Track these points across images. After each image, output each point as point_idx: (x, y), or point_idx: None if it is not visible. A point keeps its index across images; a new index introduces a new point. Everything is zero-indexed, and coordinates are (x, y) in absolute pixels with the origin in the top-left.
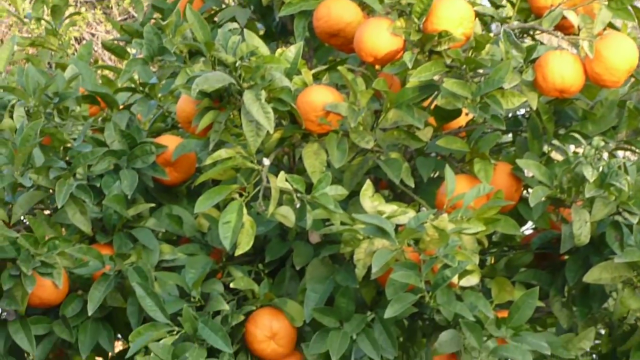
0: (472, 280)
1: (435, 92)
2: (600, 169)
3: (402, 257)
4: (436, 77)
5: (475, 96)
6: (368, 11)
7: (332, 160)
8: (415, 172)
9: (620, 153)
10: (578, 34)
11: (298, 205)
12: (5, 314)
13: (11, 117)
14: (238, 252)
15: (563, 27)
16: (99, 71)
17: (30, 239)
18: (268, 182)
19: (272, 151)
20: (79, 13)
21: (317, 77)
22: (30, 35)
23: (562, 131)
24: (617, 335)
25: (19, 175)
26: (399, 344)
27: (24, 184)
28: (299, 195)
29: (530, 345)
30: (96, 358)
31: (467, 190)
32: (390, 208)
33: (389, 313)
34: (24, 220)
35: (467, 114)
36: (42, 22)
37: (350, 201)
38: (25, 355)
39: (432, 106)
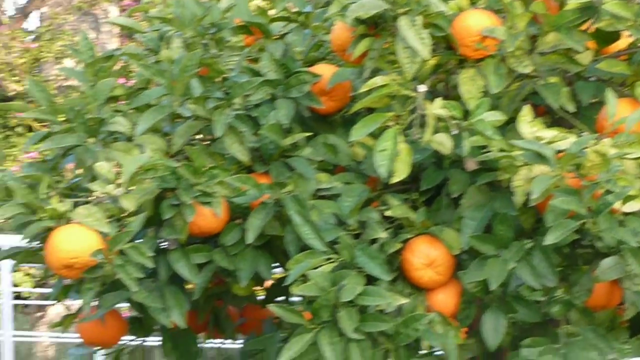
0: (636, 205)
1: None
2: None
3: (562, 183)
4: None
5: (638, 17)
6: None
7: (489, 86)
8: (574, 97)
9: None
10: None
11: (454, 132)
12: (166, 243)
13: (168, 48)
14: (394, 179)
15: None
16: (253, 1)
17: (189, 169)
18: (423, 109)
19: (427, 78)
20: None
21: (473, 2)
22: None
23: None
24: None
25: (178, 105)
26: (558, 272)
27: (183, 114)
28: (455, 121)
29: None
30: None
31: (629, 114)
32: (549, 133)
33: (549, 240)
34: (183, 151)
35: (629, 36)
36: None
37: (508, 127)
38: (185, 283)
39: (591, 29)
